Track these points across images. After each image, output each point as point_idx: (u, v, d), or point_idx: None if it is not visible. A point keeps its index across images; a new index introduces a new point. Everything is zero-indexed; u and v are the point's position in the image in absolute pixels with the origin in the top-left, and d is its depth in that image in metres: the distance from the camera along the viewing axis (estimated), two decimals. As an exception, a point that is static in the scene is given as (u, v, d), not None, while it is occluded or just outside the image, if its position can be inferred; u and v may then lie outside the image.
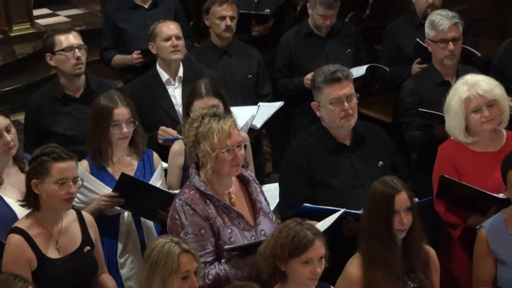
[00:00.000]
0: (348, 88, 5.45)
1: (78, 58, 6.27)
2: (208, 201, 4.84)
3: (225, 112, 5.73)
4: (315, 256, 4.48)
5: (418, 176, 6.42)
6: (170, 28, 6.82)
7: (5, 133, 5.31)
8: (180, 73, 6.83)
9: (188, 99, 5.89)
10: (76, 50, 6.27)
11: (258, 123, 6.74)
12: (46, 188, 4.83)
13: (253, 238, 4.86)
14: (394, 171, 5.51)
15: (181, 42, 6.80)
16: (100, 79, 6.65)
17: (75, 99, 6.35)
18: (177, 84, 6.80)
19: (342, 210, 5.13)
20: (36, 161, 4.88)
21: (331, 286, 4.77)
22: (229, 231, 4.82)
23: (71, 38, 6.30)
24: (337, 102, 5.42)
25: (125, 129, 5.64)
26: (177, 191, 5.25)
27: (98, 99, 5.74)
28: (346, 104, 5.41)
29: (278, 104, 6.97)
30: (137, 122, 5.73)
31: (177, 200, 4.86)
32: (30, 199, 4.90)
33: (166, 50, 6.76)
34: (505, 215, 5.15)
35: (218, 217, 4.83)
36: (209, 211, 4.81)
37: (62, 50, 6.27)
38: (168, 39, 6.76)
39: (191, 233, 4.75)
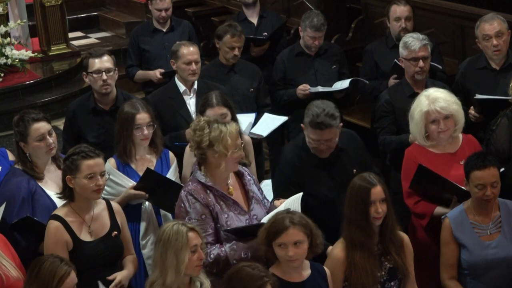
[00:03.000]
0: (327, 135, 5.32)
1: (104, 81, 6.19)
2: (208, 191, 4.89)
3: (232, 119, 5.79)
4: (288, 241, 4.49)
5: (391, 173, 6.49)
6: (191, 53, 6.74)
7: (48, 136, 5.36)
8: (195, 86, 6.81)
9: (201, 108, 5.91)
10: (104, 73, 6.18)
11: (264, 133, 6.74)
12: (78, 182, 4.86)
13: (247, 221, 4.91)
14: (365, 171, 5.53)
15: (198, 65, 6.77)
16: (128, 95, 6.58)
17: (104, 111, 6.31)
18: (192, 95, 6.78)
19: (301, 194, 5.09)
20: (68, 160, 4.91)
21: (324, 266, 4.77)
22: (226, 215, 4.88)
23: (101, 63, 6.22)
24: (316, 142, 5.36)
25: (146, 131, 5.68)
26: None
27: (123, 107, 5.78)
28: (322, 145, 5.36)
29: (283, 119, 6.96)
30: (156, 126, 5.77)
31: (182, 191, 4.93)
32: (66, 192, 4.93)
33: (186, 72, 6.73)
34: (465, 207, 5.17)
35: (217, 204, 4.88)
36: (209, 199, 4.87)
37: (92, 72, 6.22)
38: (189, 63, 6.72)
39: (194, 218, 4.81)
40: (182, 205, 4.88)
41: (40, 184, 5.35)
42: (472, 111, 6.23)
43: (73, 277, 4.37)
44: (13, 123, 5.46)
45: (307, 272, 4.66)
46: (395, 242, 4.86)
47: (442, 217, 5.23)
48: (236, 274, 4.30)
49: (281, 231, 4.49)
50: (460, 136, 5.64)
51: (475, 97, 6.20)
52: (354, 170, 5.49)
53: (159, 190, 5.58)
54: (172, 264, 4.40)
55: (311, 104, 5.45)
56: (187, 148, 5.97)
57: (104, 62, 6.25)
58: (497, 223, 5.12)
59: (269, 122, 6.84)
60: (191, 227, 4.48)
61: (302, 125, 5.48)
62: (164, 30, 8.22)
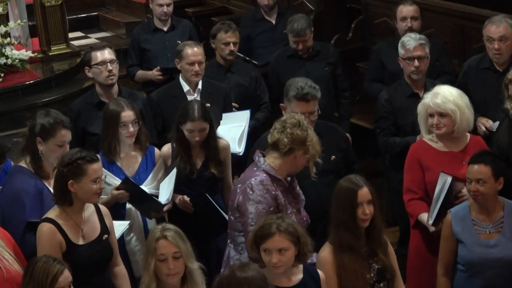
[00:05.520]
0: (311, 107, 5.62)
1: (110, 71, 6.33)
2: (275, 184, 4.96)
3: (209, 132, 5.81)
4: (272, 248, 4.44)
5: (392, 173, 6.51)
6: (195, 54, 6.73)
7: (66, 144, 5.36)
8: (199, 86, 6.81)
9: (181, 118, 5.82)
10: (109, 64, 6.33)
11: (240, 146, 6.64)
12: (82, 186, 4.83)
13: (301, 221, 5.02)
14: (347, 163, 5.71)
15: (202, 66, 6.76)
16: (131, 91, 6.72)
17: None
18: (196, 95, 6.77)
19: None
20: (72, 165, 4.84)
21: (318, 270, 4.71)
22: (289, 211, 4.97)
23: (105, 54, 6.38)
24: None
25: (131, 129, 5.71)
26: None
27: (108, 105, 5.82)
28: (307, 119, 5.45)
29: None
30: (141, 122, 5.80)
31: (253, 179, 4.97)
32: (66, 198, 4.86)
33: (189, 72, 6.73)
34: (469, 203, 5.18)
35: (283, 199, 4.96)
36: (277, 192, 4.95)
37: (96, 64, 6.34)
38: (192, 64, 6.72)
39: (263, 209, 4.87)
40: (251, 192, 4.93)
41: (45, 183, 5.32)
42: (483, 127, 6.24)
43: (67, 275, 4.35)
44: (39, 116, 5.42)
45: (297, 277, 4.60)
46: (382, 244, 4.86)
47: (447, 211, 5.22)
48: (233, 284, 4.17)
49: (267, 237, 4.44)
50: (468, 136, 5.65)
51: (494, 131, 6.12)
52: (333, 156, 5.66)
53: (137, 197, 5.62)
54: (144, 266, 4.48)
55: (291, 80, 5.77)
56: (163, 150, 5.96)
57: (107, 54, 6.40)
58: (499, 223, 5.12)
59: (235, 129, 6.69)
60: (170, 235, 4.42)
61: (281, 104, 5.73)
62: (165, 29, 8.21)
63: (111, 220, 5.14)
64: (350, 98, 7.69)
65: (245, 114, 6.73)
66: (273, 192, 4.93)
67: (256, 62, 8.12)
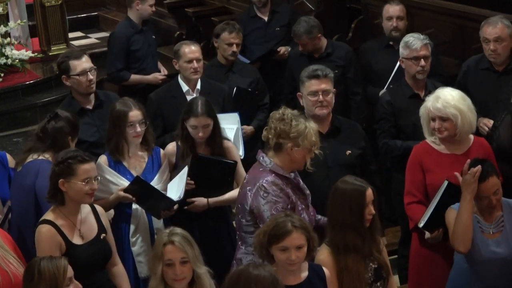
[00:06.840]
0: (324, 85, 5.64)
1: (90, 80, 6.23)
2: (284, 182, 4.97)
3: (214, 129, 5.82)
4: (291, 245, 4.43)
5: (393, 174, 6.51)
6: (192, 51, 6.76)
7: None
8: (198, 86, 6.82)
9: (185, 114, 5.84)
10: (89, 73, 6.22)
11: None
12: (72, 186, 4.83)
13: (309, 217, 5.03)
14: (362, 162, 5.68)
15: (200, 64, 6.77)
16: (106, 92, 6.70)
17: (89, 110, 6.32)
18: (195, 95, 6.75)
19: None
20: (63, 164, 4.85)
21: (323, 268, 4.68)
22: (300, 208, 4.97)
23: (84, 64, 6.24)
24: (314, 94, 5.58)
25: (138, 129, 5.70)
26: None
27: (115, 105, 5.79)
28: (321, 97, 5.58)
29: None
30: (148, 123, 5.79)
31: (264, 180, 4.96)
32: (57, 196, 4.87)
33: (188, 70, 6.75)
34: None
35: (293, 195, 4.97)
36: (288, 190, 4.96)
37: (78, 74, 6.23)
38: (190, 61, 6.73)
39: (281, 208, 4.87)
40: (265, 195, 4.92)
41: None
42: (486, 128, 6.21)
43: (71, 268, 4.36)
44: (61, 114, 5.57)
45: (304, 274, 4.59)
46: (377, 242, 4.86)
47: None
48: (243, 278, 4.11)
49: (284, 235, 4.42)
50: (471, 138, 5.61)
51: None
52: (348, 151, 5.64)
53: (147, 197, 5.61)
54: (151, 270, 4.46)
55: (306, 68, 5.84)
56: (168, 148, 5.97)
57: (86, 62, 6.29)
58: (499, 223, 5.09)
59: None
60: (177, 240, 4.39)
61: (298, 93, 5.78)
62: (144, 29, 8.26)
63: (107, 219, 5.14)
64: (360, 103, 7.60)
65: (235, 117, 6.69)
66: (286, 190, 4.95)
67: (245, 60, 8.08)
